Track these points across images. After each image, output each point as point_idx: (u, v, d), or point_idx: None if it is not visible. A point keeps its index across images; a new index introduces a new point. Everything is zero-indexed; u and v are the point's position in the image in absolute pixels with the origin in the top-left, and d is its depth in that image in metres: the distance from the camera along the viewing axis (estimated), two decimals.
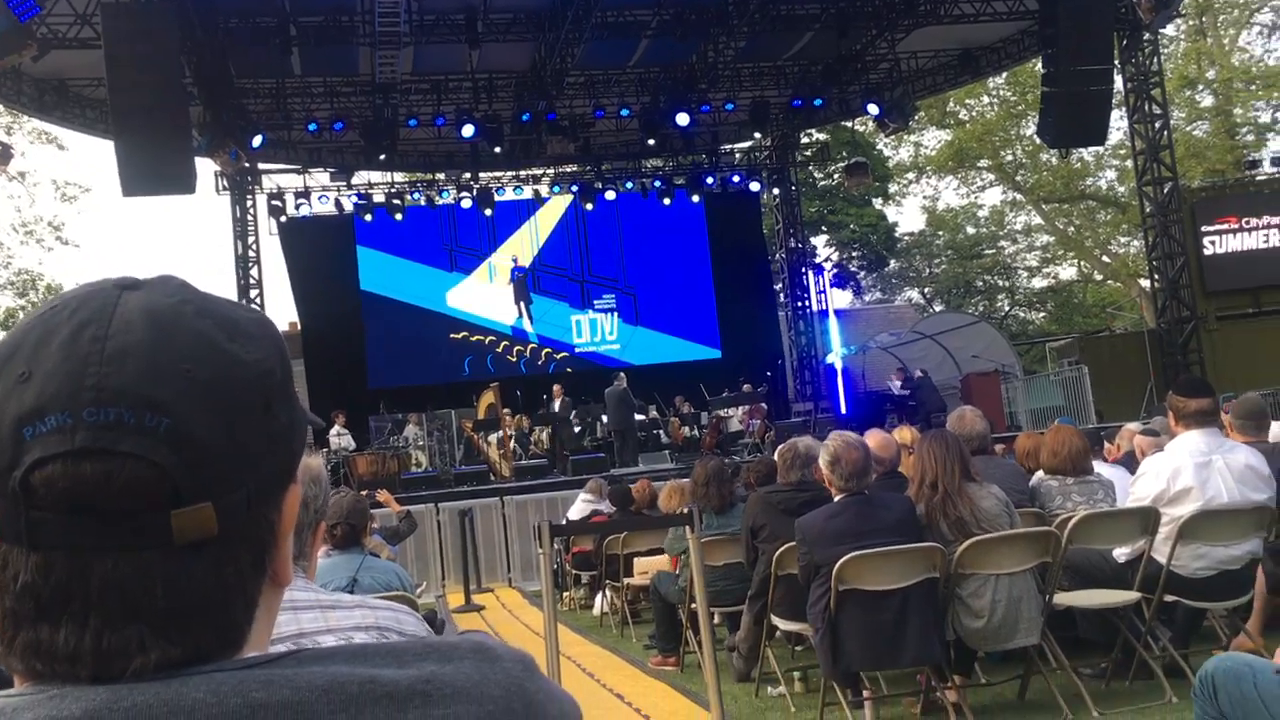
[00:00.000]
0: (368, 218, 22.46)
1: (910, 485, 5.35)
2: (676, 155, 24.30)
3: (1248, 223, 22.07)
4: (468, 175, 22.79)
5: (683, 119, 19.38)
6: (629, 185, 23.80)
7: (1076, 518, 5.23)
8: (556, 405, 18.12)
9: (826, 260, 36.67)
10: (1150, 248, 20.68)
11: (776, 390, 22.38)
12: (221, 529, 0.68)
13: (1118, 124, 21.41)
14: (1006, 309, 39.79)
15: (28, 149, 29.85)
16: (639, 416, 18.50)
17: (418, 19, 16.72)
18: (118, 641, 0.66)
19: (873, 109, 20.55)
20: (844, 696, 4.96)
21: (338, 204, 22.39)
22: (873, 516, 4.93)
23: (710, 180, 24.10)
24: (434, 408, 19.37)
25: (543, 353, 23.67)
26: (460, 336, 23.26)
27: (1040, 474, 6.05)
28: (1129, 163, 23.55)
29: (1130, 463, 6.69)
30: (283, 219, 22.22)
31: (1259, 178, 23.48)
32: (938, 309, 36.59)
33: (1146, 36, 19.67)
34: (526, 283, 23.78)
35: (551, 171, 24.44)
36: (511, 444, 17.14)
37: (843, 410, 21.90)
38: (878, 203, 37.42)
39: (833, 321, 26.01)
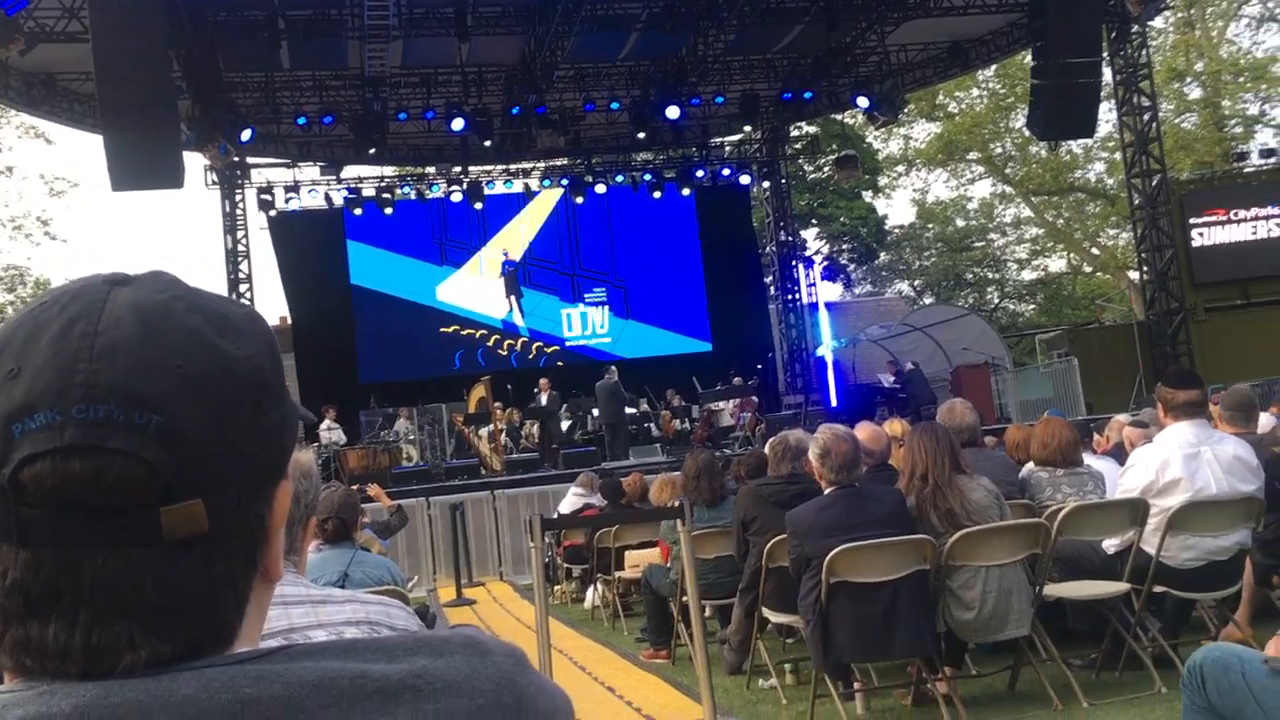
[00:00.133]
0: (357, 211, 22.39)
1: (900, 477, 5.36)
2: (667, 148, 24.28)
3: (1236, 215, 22.15)
4: (458, 169, 22.74)
5: (673, 112, 19.36)
6: (619, 178, 23.76)
7: (1066, 509, 5.24)
8: (544, 399, 18.12)
9: (817, 253, 36.74)
10: (1139, 240, 20.75)
11: (767, 383, 22.39)
12: (212, 525, 0.68)
13: (1106, 116, 21.52)
14: (996, 301, 39.88)
15: (15, 143, 29.74)
16: (630, 410, 18.50)
17: (407, 12, 16.66)
18: (108, 638, 0.66)
19: (862, 102, 20.55)
20: (835, 688, 4.97)
21: (327, 198, 22.33)
22: (863, 509, 4.95)
23: (700, 173, 24.07)
24: (425, 402, 19.36)
25: (533, 346, 23.65)
26: (451, 330, 23.23)
27: (1030, 466, 6.07)
28: (1118, 155, 23.61)
29: (1119, 454, 6.72)
30: (272, 213, 22.14)
31: (1247, 170, 23.56)
32: (928, 302, 36.66)
33: (1135, 29, 19.72)
34: (517, 276, 23.76)
35: (542, 165, 24.38)
36: (502, 438, 17.13)
37: (833, 403, 21.93)
38: (867, 196, 37.44)
39: (823, 314, 26.04)
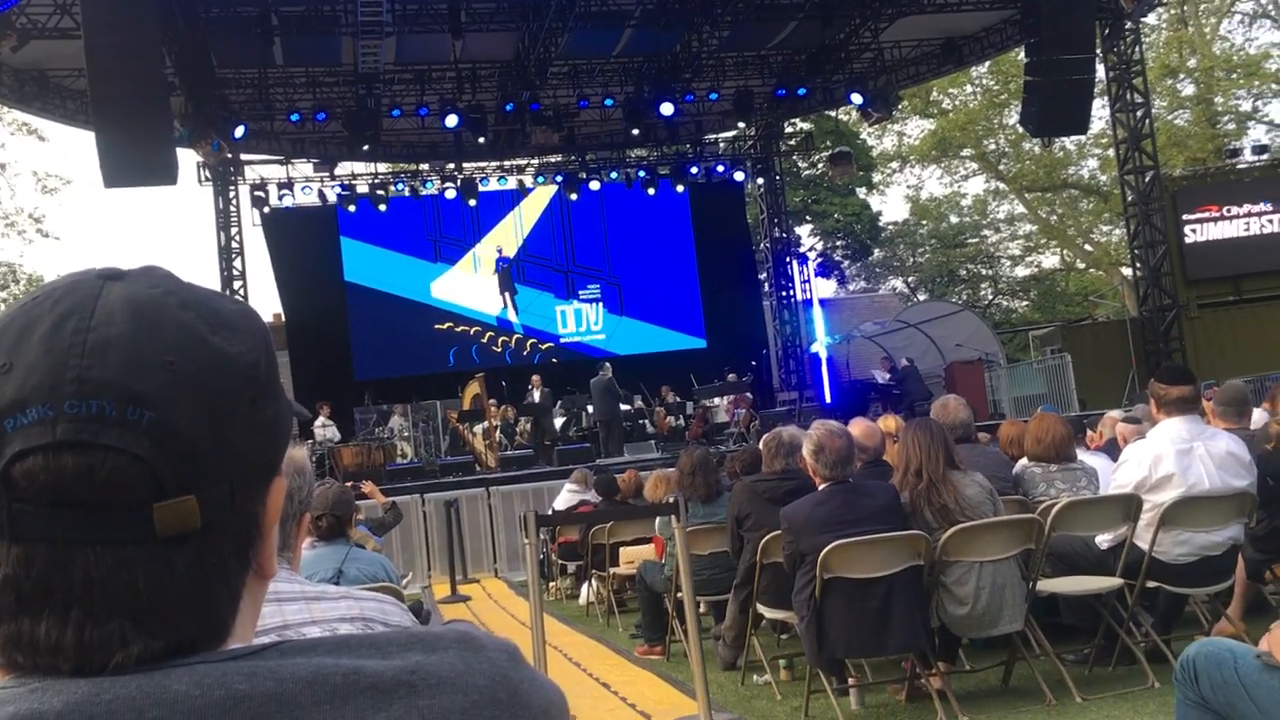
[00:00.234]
0: (351, 208, 22.35)
1: (895, 473, 5.37)
2: (661, 145, 24.27)
3: (1228, 211, 22.20)
4: (451, 165, 22.72)
5: (667, 109, 19.36)
6: (613, 175, 23.75)
7: (1060, 505, 5.25)
8: (537, 396, 18.12)
9: (811, 250, 36.75)
10: (1132, 236, 20.79)
11: (761, 380, 22.41)
12: (205, 522, 0.68)
13: (1100, 113, 21.48)
14: (990, 298, 39.94)
15: (8, 140, 29.67)
16: (624, 406, 18.52)
17: (400, 8, 16.63)
18: (99, 635, 0.66)
19: (856, 98, 20.58)
20: (829, 684, 4.98)
21: (321, 195, 22.29)
22: (857, 505, 4.95)
23: (695, 170, 24.08)
24: (419, 399, 19.36)
25: (528, 343, 23.64)
26: (445, 327, 23.20)
27: (1024, 461, 6.08)
28: (1111, 151, 23.64)
29: (1113, 450, 6.73)
30: (266, 210, 22.10)
31: (1240, 166, 23.61)
32: (921, 298, 36.69)
33: (1128, 26, 19.76)
34: (511, 273, 23.74)
35: (536, 161, 24.37)
36: (497, 434, 17.12)
37: (827, 399, 21.95)
38: (861, 192, 37.47)
39: (817, 311, 26.05)
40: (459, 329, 23.30)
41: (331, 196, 22.36)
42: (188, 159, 18.39)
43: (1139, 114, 19.88)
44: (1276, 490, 5.41)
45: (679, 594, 5.85)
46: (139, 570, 0.66)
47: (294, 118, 18.84)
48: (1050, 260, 39.34)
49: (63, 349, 0.67)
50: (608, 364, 18.64)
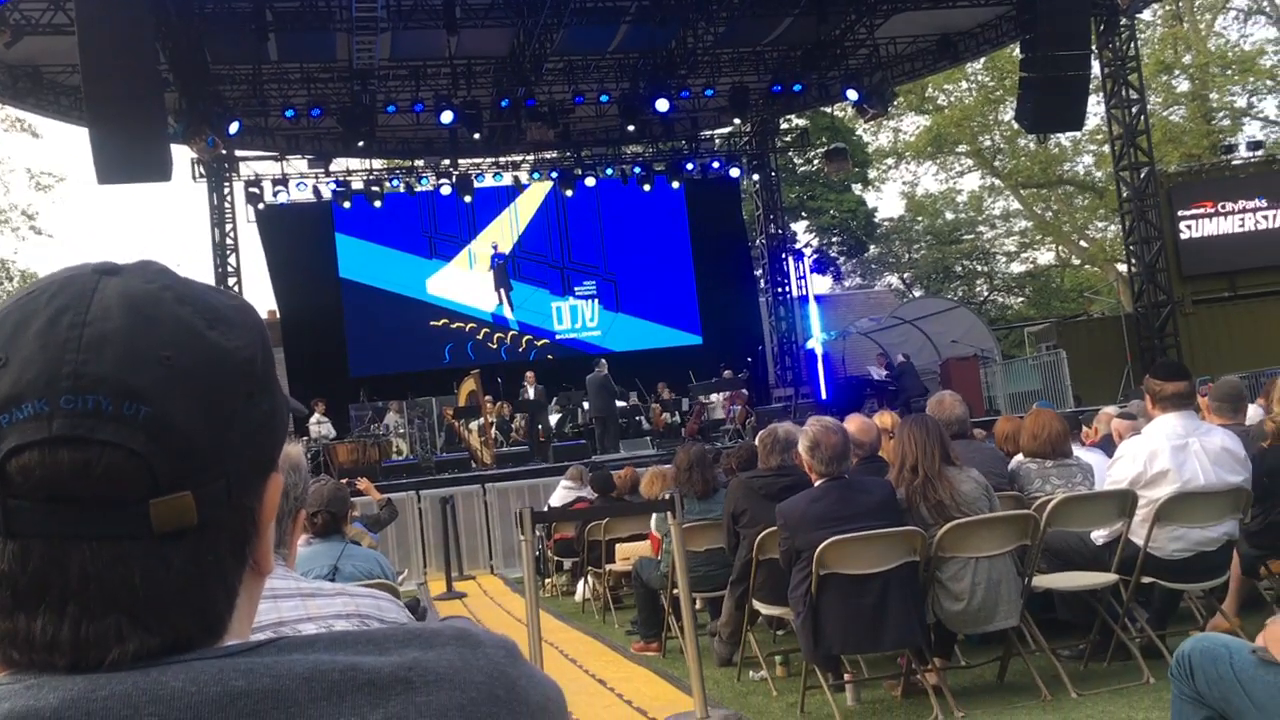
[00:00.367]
0: (346, 205, 22.33)
1: (890, 469, 5.38)
2: (656, 141, 24.25)
3: (1223, 207, 22.23)
4: (447, 162, 22.67)
5: (662, 105, 19.35)
6: (609, 171, 23.75)
7: (1055, 501, 5.26)
8: (531, 393, 18.12)
9: (806, 246, 36.73)
10: (1127, 232, 20.82)
11: (757, 376, 22.42)
12: (201, 518, 0.68)
13: (1095, 109, 21.53)
14: (985, 294, 39.96)
15: (1, 137, 29.61)
16: (620, 403, 18.51)
17: (395, 4, 16.61)
18: (96, 631, 0.65)
19: (852, 94, 20.57)
20: (825, 680, 4.99)
21: (316, 191, 22.26)
22: (853, 501, 4.95)
23: (690, 166, 24.07)
24: (414, 395, 19.33)
25: (523, 340, 23.63)
26: (440, 324, 23.19)
27: (1019, 457, 6.09)
28: (1106, 148, 23.66)
29: (1108, 446, 6.74)
30: (260, 206, 22.07)
31: (1235, 162, 23.64)
32: (917, 294, 36.71)
33: (1124, 22, 19.78)
34: (507, 269, 23.73)
35: (531, 158, 24.36)
36: (493, 431, 17.11)
37: (823, 395, 21.97)
38: (857, 188, 37.48)
39: (813, 307, 26.05)
40: (454, 325, 23.29)
41: (326, 193, 22.33)
42: (182, 155, 18.33)
43: (1134, 110, 19.90)
44: (1272, 486, 5.42)
45: (675, 590, 5.85)
46: (135, 566, 0.66)
47: (289, 114, 18.81)
48: (1045, 256, 39.43)
49: (58, 344, 0.67)
50: (603, 360, 18.64)
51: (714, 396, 18.89)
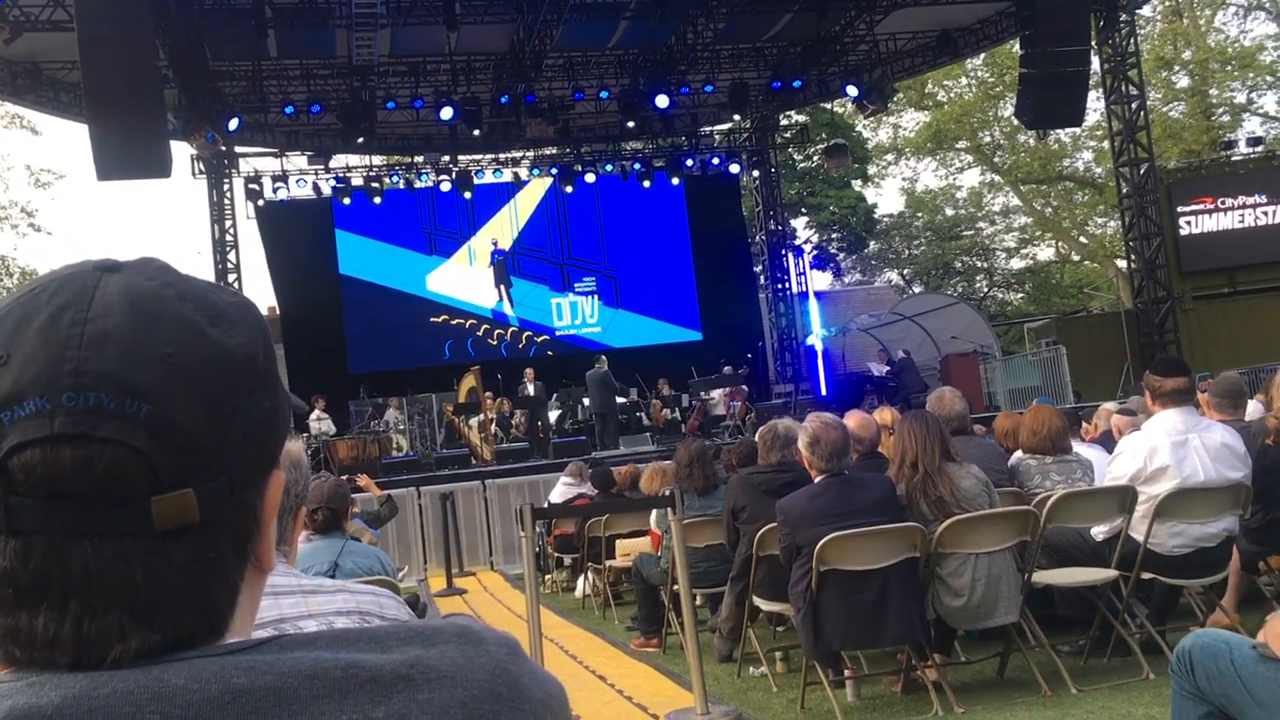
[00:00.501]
0: (346, 201, 22.31)
1: (890, 465, 5.38)
2: (656, 137, 24.23)
3: (1223, 203, 22.23)
4: (446, 158, 22.65)
5: (662, 101, 19.32)
6: (609, 168, 23.73)
7: (1055, 497, 5.26)
8: (531, 389, 18.12)
9: (806, 242, 36.70)
10: (1127, 228, 20.80)
11: (757, 372, 22.41)
12: (203, 515, 0.68)
13: (1095, 105, 21.53)
14: (985, 290, 39.95)
15: (1, 134, 29.59)
16: (620, 399, 18.51)
17: (394, 0, 16.60)
18: (97, 628, 0.65)
19: (852, 91, 20.55)
20: (825, 676, 4.99)
21: (315, 187, 22.24)
22: (853, 497, 4.96)
23: (690, 162, 24.05)
24: (414, 392, 19.34)
25: (523, 336, 23.62)
26: (440, 320, 23.18)
27: (1019, 454, 6.09)
28: (1106, 144, 23.65)
29: (1108, 442, 6.74)
30: (260, 203, 22.05)
31: (1234, 158, 23.64)
32: (917, 290, 36.68)
33: (1123, 18, 19.76)
34: (506, 266, 23.71)
35: (531, 154, 24.33)
36: (493, 427, 17.12)
37: (823, 392, 21.97)
38: (857, 184, 37.45)
39: (813, 303, 26.06)
40: (454, 322, 23.29)
41: (326, 189, 22.32)
42: (181, 152, 18.32)
43: (1134, 106, 19.88)
44: (1271, 483, 5.41)
45: (675, 586, 5.85)
46: (137, 563, 0.66)
47: (288, 110, 18.79)
48: (1045, 253, 39.41)
49: (60, 341, 0.67)
50: (604, 357, 18.63)
51: (714, 393, 18.89)
